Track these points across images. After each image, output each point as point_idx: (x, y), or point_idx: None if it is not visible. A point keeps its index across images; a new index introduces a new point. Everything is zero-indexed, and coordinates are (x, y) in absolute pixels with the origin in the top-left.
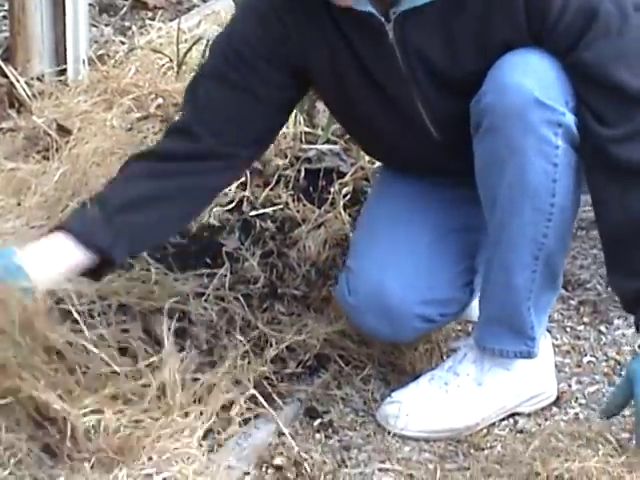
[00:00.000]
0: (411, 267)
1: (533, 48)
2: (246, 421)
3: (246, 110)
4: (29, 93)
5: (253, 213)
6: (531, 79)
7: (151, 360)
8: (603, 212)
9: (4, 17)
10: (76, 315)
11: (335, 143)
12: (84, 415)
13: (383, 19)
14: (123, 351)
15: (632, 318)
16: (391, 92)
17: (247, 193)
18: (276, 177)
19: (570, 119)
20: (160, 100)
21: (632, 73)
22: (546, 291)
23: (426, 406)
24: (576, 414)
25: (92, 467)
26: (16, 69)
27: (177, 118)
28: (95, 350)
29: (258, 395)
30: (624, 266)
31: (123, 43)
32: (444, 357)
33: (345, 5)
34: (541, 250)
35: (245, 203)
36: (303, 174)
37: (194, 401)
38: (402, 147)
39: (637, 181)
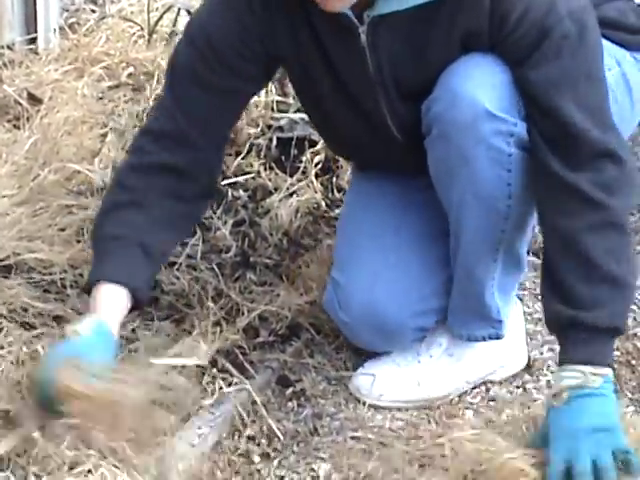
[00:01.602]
0: (402, 279)
1: (488, 54)
2: (219, 389)
3: (223, 105)
4: (0, 62)
5: (225, 182)
6: (483, 90)
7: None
8: (547, 229)
9: None
10: None
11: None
12: None
13: (357, 21)
14: None
15: None
16: (357, 94)
17: None
18: (248, 146)
19: (522, 127)
20: (131, 69)
21: (575, 101)
22: (510, 274)
23: (399, 376)
24: (548, 381)
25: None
26: None
27: (156, 118)
28: None
29: (229, 364)
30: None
31: (94, 11)
32: None
33: (331, 10)
34: (500, 243)
35: None
36: (275, 143)
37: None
38: (365, 147)
39: (561, 202)
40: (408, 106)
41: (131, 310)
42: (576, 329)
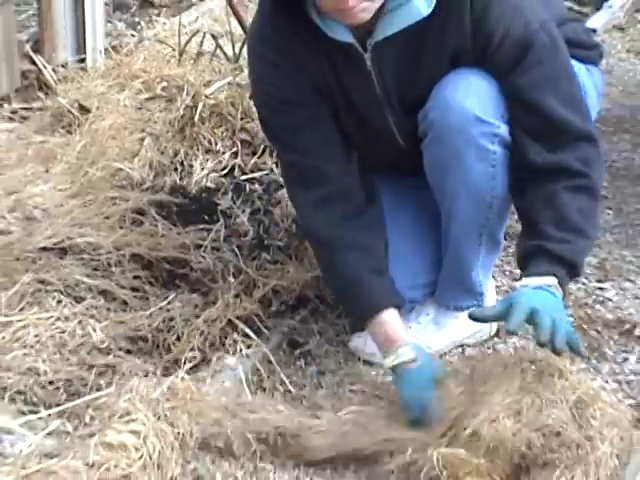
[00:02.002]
0: (396, 259)
1: (474, 69)
2: (239, 350)
3: (319, 131)
4: (55, 78)
5: (243, 177)
6: (472, 99)
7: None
8: (519, 197)
9: (34, 15)
10: None
11: None
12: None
13: (361, 49)
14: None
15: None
16: (367, 115)
17: (238, 161)
18: (262, 147)
19: (504, 129)
20: (164, 83)
21: (558, 98)
22: (490, 254)
23: None
24: (514, 343)
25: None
26: (44, 58)
27: (289, 179)
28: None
29: (248, 329)
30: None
31: (133, 36)
32: None
33: (352, 22)
34: (484, 228)
35: (237, 169)
36: None
37: (195, 335)
38: (370, 154)
39: (545, 177)
40: (411, 116)
41: None
42: (542, 254)
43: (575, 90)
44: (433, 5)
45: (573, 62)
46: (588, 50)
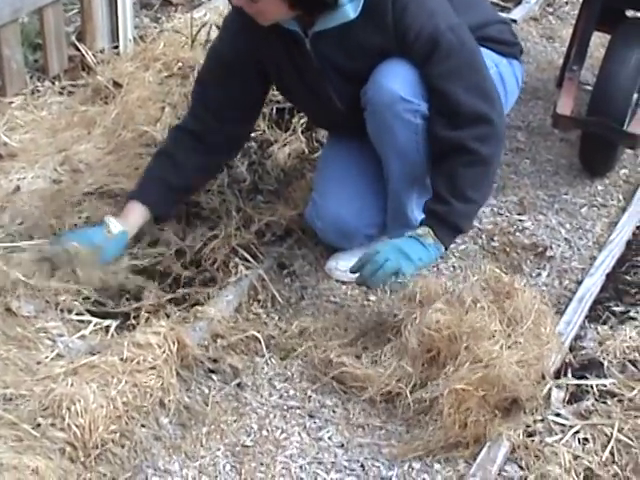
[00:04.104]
0: (358, 201)
1: (401, 59)
2: (240, 271)
3: (235, 96)
4: (95, 61)
5: None
6: (398, 84)
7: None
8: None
9: (78, 12)
10: None
11: None
12: None
13: (304, 36)
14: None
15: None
16: (311, 83)
17: None
18: None
19: (424, 106)
20: (180, 64)
21: (461, 87)
22: (421, 197)
23: (355, 250)
24: (453, 264)
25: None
26: (86, 45)
27: (191, 106)
28: None
29: (247, 254)
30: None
31: (156, 27)
32: None
33: (262, 23)
34: (414, 179)
35: None
36: (275, 110)
37: (205, 259)
38: (319, 115)
39: (447, 153)
40: (345, 86)
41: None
42: (432, 215)
43: (479, 80)
44: (359, 11)
45: (495, 55)
46: (510, 47)
